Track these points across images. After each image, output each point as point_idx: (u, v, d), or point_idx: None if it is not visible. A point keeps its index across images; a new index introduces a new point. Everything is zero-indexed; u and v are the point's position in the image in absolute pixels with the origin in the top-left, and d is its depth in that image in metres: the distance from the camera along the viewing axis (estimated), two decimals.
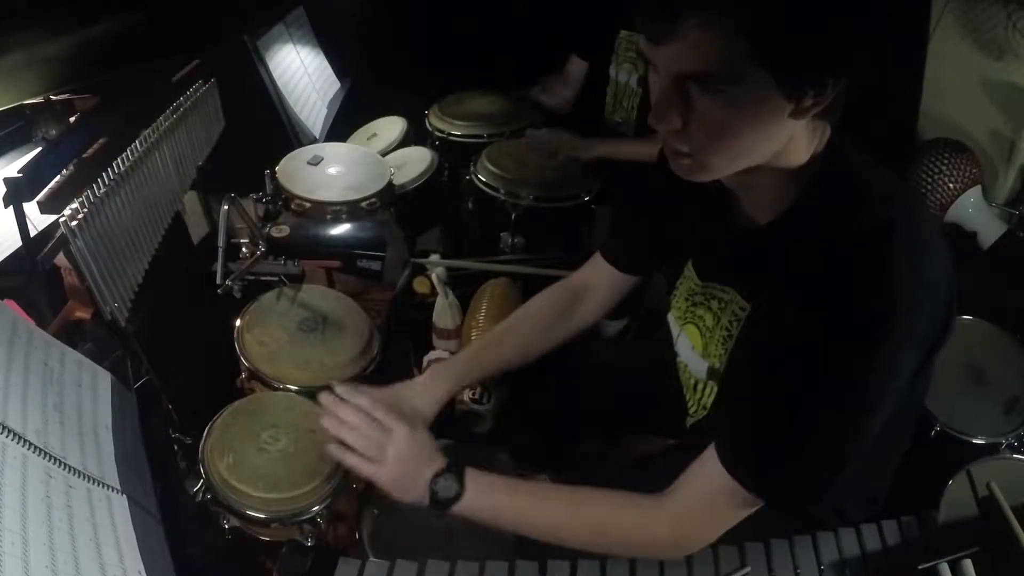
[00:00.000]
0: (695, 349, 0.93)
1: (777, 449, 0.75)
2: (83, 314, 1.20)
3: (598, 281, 1.14)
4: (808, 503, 0.78)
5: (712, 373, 0.90)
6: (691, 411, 0.99)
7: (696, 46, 0.63)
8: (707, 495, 0.79)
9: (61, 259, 1.08)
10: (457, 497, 0.85)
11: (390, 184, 1.76)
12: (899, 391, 0.74)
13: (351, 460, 0.90)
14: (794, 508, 0.79)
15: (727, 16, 0.61)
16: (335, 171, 1.77)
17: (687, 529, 0.82)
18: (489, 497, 0.86)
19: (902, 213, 0.70)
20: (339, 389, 0.96)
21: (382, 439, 0.89)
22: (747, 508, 0.79)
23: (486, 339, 1.16)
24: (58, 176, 1.04)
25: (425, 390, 1.05)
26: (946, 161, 1.70)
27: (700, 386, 0.94)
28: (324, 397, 0.95)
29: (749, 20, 0.61)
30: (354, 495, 1.14)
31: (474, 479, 0.86)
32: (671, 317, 1.00)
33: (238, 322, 1.36)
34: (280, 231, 1.57)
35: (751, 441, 0.77)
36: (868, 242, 0.69)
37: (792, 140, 0.73)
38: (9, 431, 0.70)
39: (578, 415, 1.22)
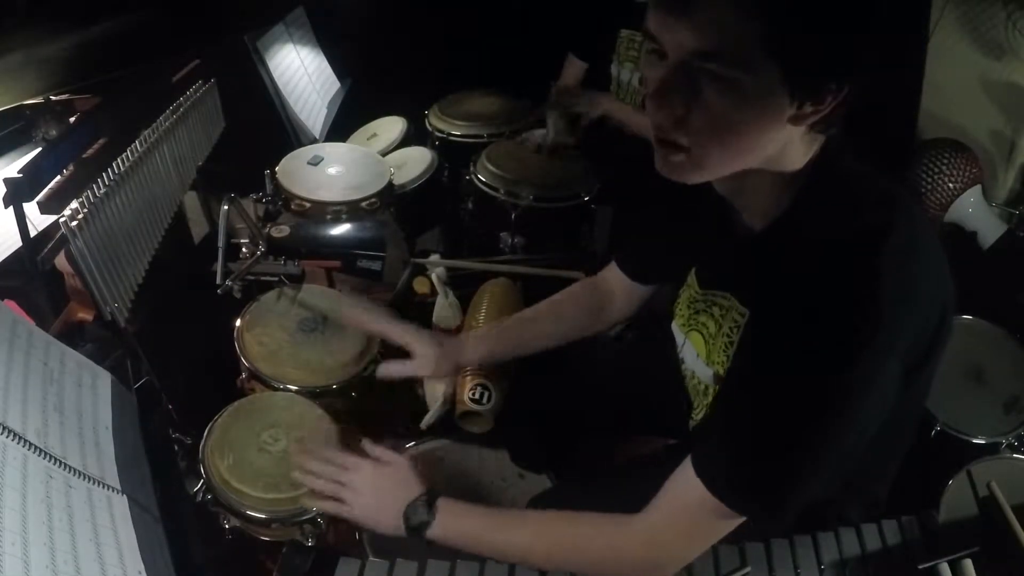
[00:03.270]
0: (700, 356, 0.93)
1: (750, 457, 0.74)
2: (85, 315, 1.20)
3: (618, 289, 1.16)
4: (783, 512, 0.76)
5: (718, 379, 0.90)
6: (696, 414, 0.99)
7: (711, 22, 0.62)
8: (681, 508, 0.78)
9: (63, 263, 1.08)
10: (427, 524, 0.88)
11: (390, 184, 1.76)
12: (884, 397, 0.73)
13: (323, 505, 0.96)
14: (768, 518, 0.77)
15: None
16: (335, 171, 1.77)
17: (660, 546, 0.80)
18: (459, 524, 0.88)
19: (894, 218, 0.69)
20: (310, 445, 1.04)
21: (344, 480, 0.95)
22: (722, 521, 0.77)
23: (515, 321, 1.19)
24: (58, 176, 1.04)
25: (450, 352, 1.14)
26: (946, 161, 1.70)
27: (710, 391, 0.94)
28: (295, 458, 1.03)
29: (766, 2, 0.61)
30: None
31: (445, 506, 0.89)
32: (675, 325, 1.00)
33: (238, 322, 1.36)
34: (280, 231, 1.57)
35: (725, 449, 0.75)
36: (856, 248, 0.68)
37: (787, 146, 0.73)
38: (9, 431, 0.70)
39: (578, 415, 1.22)
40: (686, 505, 0.77)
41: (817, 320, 0.68)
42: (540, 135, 2.00)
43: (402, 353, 1.16)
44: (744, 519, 0.77)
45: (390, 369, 1.16)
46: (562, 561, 0.85)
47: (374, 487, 0.94)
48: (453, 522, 0.88)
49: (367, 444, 1.01)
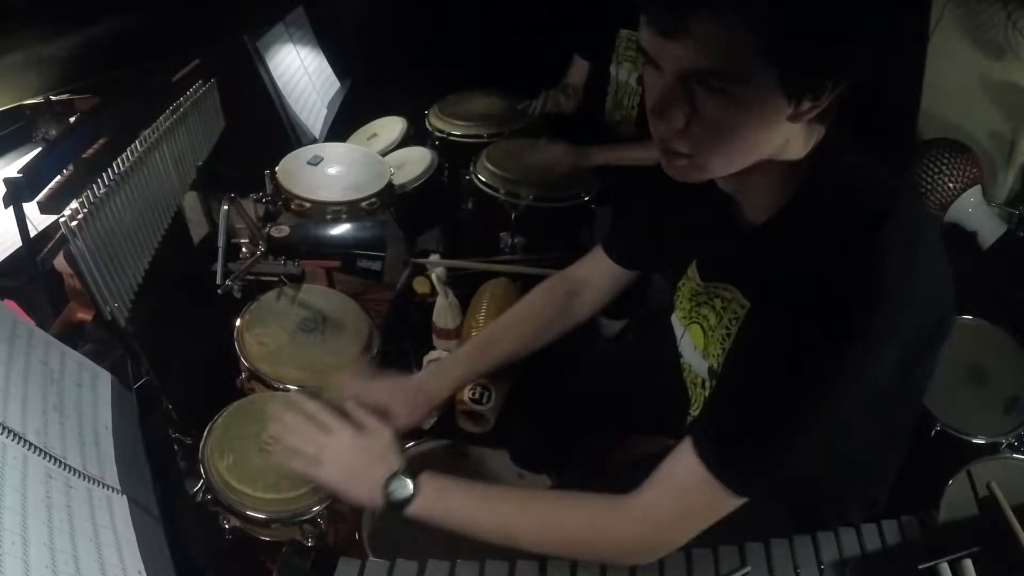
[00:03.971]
0: (697, 349, 0.93)
1: (748, 436, 0.74)
2: (84, 316, 1.20)
3: (597, 275, 1.14)
4: (769, 483, 0.75)
5: (712, 373, 0.90)
6: (693, 411, 0.99)
7: (706, 42, 0.63)
8: (674, 487, 0.77)
9: (61, 263, 1.08)
10: (410, 499, 0.85)
11: (390, 184, 1.76)
12: (879, 383, 0.73)
13: (294, 463, 0.91)
14: (759, 494, 0.76)
15: (739, 11, 0.61)
16: (335, 171, 1.77)
17: (651, 527, 0.79)
18: (442, 498, 0.85)
19: (894, 210, 0.70)
20: (292, 395, 0.98)
21: (321, 440, 0.90)
22: (714, 501, 0.76)
23: (484, 336, 1.16)
24: (58, 176, 1.04)
25: (422, 391, 1.06)
26: (946, 161, 1.70)
27: (706, 385, 0.94)
28: (273, 406, 0.97)
29: (760, 16, 0.61)
30: None
31: (428, 481, 0.86)
32: (675, 318, 1.00)
33: (238, 322, 1.36)
34: (280, 231, 1.57)
35: (721, 426, 0.76)
36: (857, 237, 0.69)
37: (787, 142, 0.74)
38: (9, 431, 0.70)
39: (578, 415, 1.22)
40: (680, 483, 0.77)
41: (815, 303, 0.69)
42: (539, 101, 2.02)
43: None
44: (735, 507, 0.76)
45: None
46: (548, 540, 0.83)
47: (352, 455, 0.89)
48: (437, 498, 0.85)
49: (351, 406, 0.96)
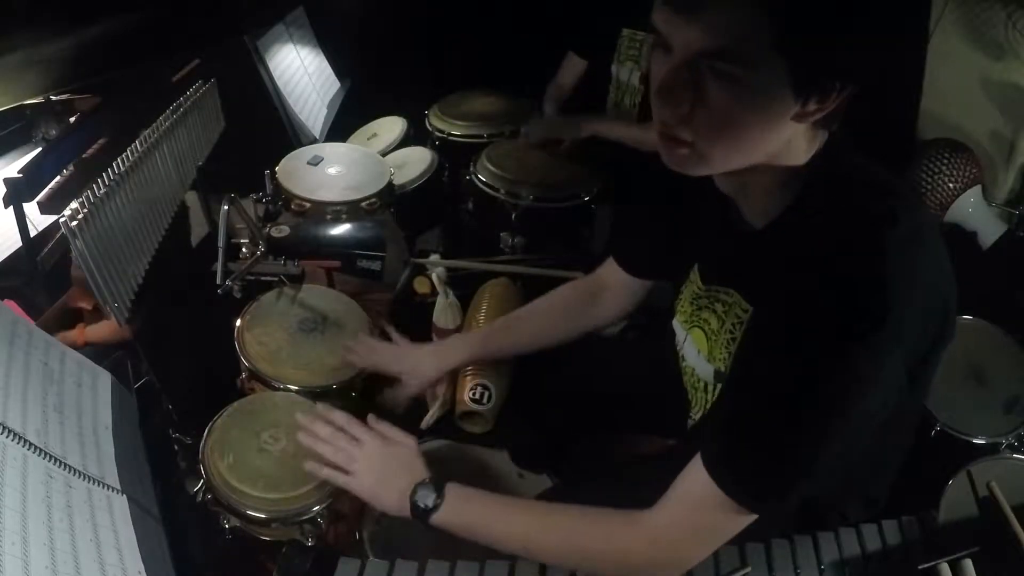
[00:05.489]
0: (701, 353, 0.93)
1: (758, 451, 0.73)
2: (84, 304, 1.20)
3: (613, 283, 1.16)
4: (783, 501, 0.75)
5: (719, 376, 0.90)
6: (694, 414, 0.99)
7: (720, 22, 0.63)
8: (689, 505, 0.77)
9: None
10: (435, 507, 0.87)
11: (390, 184, 1.76)
12: (890, 390, 0.73)
13: (326, 472, 0.95)
14: (767, 504, 0.75)
15: None
16: (335, 171, 1.77)
17: (667, 544, 0.79)
18: (465, 509, 0.87)
19: (897, 213, 0.69)
20: (319, 407, 1.02)
21: (352, 450, 0.94)
22: (729, 519, 0.76)
23: (502, 322, 1.20)
24: (58, 176, 1.04)
25: (434, 354, 1.15)
26: (946, 161, 1.69)
27: (710, 388, 0.94)
28: (300, 417, 1.02)
29: (775, 1, 0.61)
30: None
31: (453, 491, 0.88)
32: (676, 322, 1.00)
33: (238, 322, 1.36)
34: (280, 231, 1.57)
35: (732, 444, 0.75)
36: (860, 241, 0.69)
37: (790, 143, 0.73)
38: (9, 431, 0.70)
39: (578, 415, 1.22)
40: (695, 502, 0.77)
41: (822, 312, 0.68)
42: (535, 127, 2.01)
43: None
44: (753, 519, 0.76)
45: (397, 398, 1.18)
46: (565, 554, 0.84)
47: (381, 463, 0.92)
48: (460, 508, 0.87)
49: (372, 419, 0.99)
